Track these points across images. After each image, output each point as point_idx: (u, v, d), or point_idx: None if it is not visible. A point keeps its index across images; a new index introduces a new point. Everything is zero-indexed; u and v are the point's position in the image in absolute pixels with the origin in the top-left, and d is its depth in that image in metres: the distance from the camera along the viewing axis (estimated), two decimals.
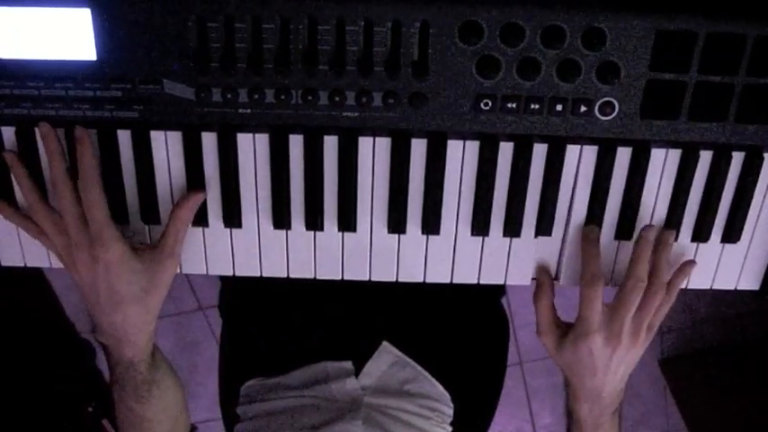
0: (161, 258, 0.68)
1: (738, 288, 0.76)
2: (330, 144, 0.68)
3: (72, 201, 0.65)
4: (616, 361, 0.70)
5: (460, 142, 0.68)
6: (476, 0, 0.62)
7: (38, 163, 0.69)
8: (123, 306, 0.67)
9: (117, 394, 0.72)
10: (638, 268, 0.69)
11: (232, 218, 0.71)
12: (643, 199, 0.71)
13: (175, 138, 0.68)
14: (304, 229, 0.71)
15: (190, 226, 0.70)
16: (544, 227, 0.71)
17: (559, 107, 0.65)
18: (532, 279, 0.75)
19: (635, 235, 0.72)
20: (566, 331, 0.72)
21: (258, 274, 0.74)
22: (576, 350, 0.70)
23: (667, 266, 0.71)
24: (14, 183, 0.69)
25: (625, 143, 0.68)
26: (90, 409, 1.61)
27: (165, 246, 0.68)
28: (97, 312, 0.67)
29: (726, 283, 0.75)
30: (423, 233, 0.72)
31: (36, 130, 0.67)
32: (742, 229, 0.72)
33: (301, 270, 0.73)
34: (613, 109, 0.66)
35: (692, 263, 0.73)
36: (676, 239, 0.72)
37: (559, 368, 0.75)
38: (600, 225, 0.71)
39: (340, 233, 0.72)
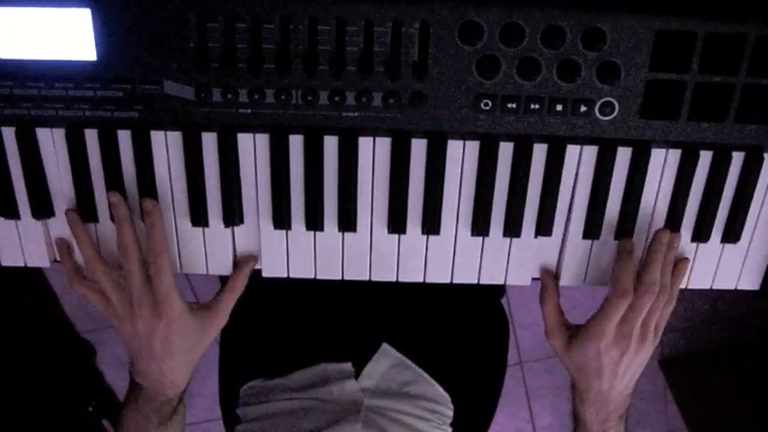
0: (213, 319, 0.73)
1: (738, 288, 0.76)
2: (330, 144, 0.68)
3: (139, 265, 0.68)
4: (624, 365, 0.70)
5: (460, 142, 0.68)
6: (476, 0, 0.62)
7: (40, 164, 0.69)
8: (174, 356, 0.71)
9: (135, 420, 0.75)
10: (652, 273, 0.69)
11: (232, 218, 0.71)
12: (643, 199, 0.71)
13: (175, 138, 0.68)
14: (304, 230, 0.71)
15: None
16: (544, 227, 0.71)
17: (559, 107, 0.65)
18: (533, 279, 0.75)
19: (637, 237, 0.72)
20: (574, 332, 0.72)
21: (258, 275, 0.74)
22: (584, 351, 0.70)
23: (670, 268, 0.71)
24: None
25: (625, 143, 0.68)
26: (90, 409, 1.62)
27: (218, 309, 0.73)
28: (145, 360, 0.71)
29: (726, 283, 0.75)
30: (423, 233, 0.72)
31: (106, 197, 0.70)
32: (742, 229, 0.72)
33: (301, 270, 0.73)
34: (613, 109, 0.66)
35: (686, 261, 0.73)
36: None
37: (567, 370, 0.75)
38: (600, 225, 0.71)
39: (340, 233, 0.72)
